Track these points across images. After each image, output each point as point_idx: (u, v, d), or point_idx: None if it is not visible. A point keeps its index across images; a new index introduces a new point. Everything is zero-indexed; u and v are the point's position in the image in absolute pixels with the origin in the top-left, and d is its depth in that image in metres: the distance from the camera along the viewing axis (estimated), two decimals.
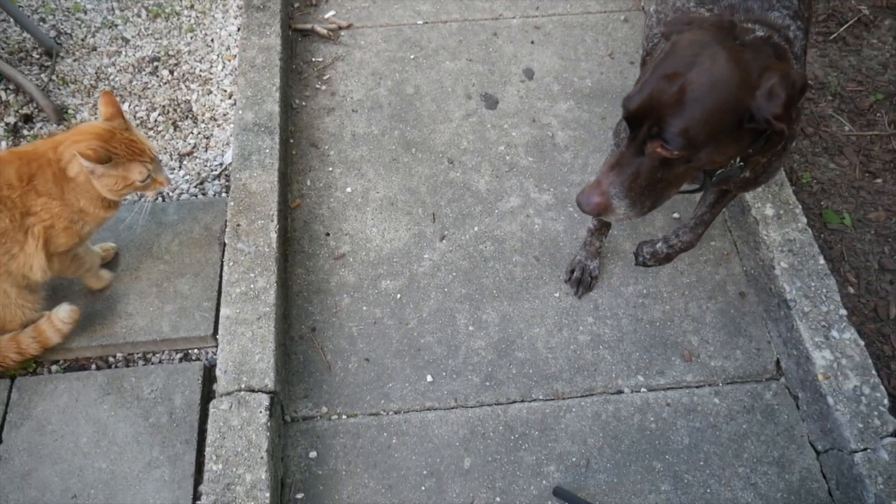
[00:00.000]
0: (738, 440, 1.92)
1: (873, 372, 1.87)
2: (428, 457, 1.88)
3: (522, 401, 1.97)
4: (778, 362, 2.04)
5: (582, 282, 2.13)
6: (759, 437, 1.92)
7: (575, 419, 1.94)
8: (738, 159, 1.46)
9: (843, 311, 1.96)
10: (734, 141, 1.34)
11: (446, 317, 2.10)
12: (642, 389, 1.99)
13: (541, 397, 1.98)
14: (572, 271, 2.14)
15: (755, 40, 1.35)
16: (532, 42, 2.70)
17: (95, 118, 2.49)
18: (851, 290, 2.16)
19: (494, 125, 2.48)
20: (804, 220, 2.11)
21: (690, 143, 1.30)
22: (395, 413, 1.95)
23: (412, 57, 2.67)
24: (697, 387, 2.00)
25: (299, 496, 1.82)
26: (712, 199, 1.90)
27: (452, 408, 1.96)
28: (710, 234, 2.25)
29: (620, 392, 1.99)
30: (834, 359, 1.89)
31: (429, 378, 2.00)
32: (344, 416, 1.94)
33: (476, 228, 2.26)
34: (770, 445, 1.91)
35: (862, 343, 1.92)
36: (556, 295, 2.14)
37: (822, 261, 2.04)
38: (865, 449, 1.77)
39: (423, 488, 1.84)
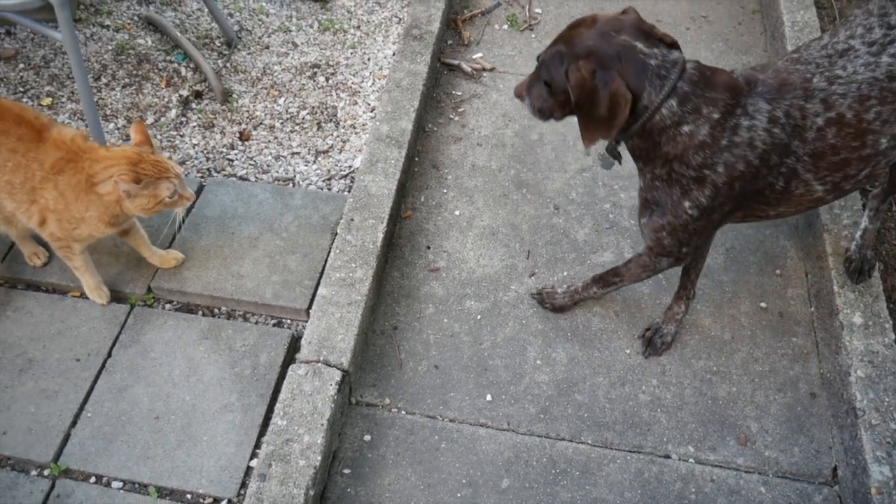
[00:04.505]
0: None
1: None
2: (470, 468, 1.99)
3: (571, 440, 2.05)
4: (835, 469, 2.02)
5: (652, 343, 2.20)
6: None
7: (617, 470, 2.00)
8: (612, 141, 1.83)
9: None
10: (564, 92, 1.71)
11: (518, 346, 2.22)
12: (690, 460, 2.03)
13: (589, 442, 2.05)
14: (647, 329, 2.22)
15: (629, 45, 1.64)
16: None
17: (254, 105, 2.81)
18: None
19: (605, 184, 2.61)
20: (893, 335, 2.10)
21: (545, 76, 1.74)
22: (451, 421, 2.07)
23: None
24: (746, 472, 2.01)
25: (346, 471, 1.97)
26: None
27: (504, 430, 2.06)
28: (793, 331, 2.27)
29: (668, 457, 2.03)
30: (893, 476, 1.87)
31: (489, 397, 2.12)
32: (403, 412, 2.08)
33: (565, 273, 2.38)
34: None
35: None
36: (627, 351, 2.21)
37: None
38: None
39: (458, 495, 1.94)
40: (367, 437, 2.03)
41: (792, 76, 1.71)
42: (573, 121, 2.82)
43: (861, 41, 1.72)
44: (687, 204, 1.76)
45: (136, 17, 3.10)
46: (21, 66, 2.88)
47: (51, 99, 2.77)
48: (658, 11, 3.22)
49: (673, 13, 3.24)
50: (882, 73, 1.67)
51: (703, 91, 1.65)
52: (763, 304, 2.32)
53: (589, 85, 1.64)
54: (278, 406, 1.94)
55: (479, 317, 2.28)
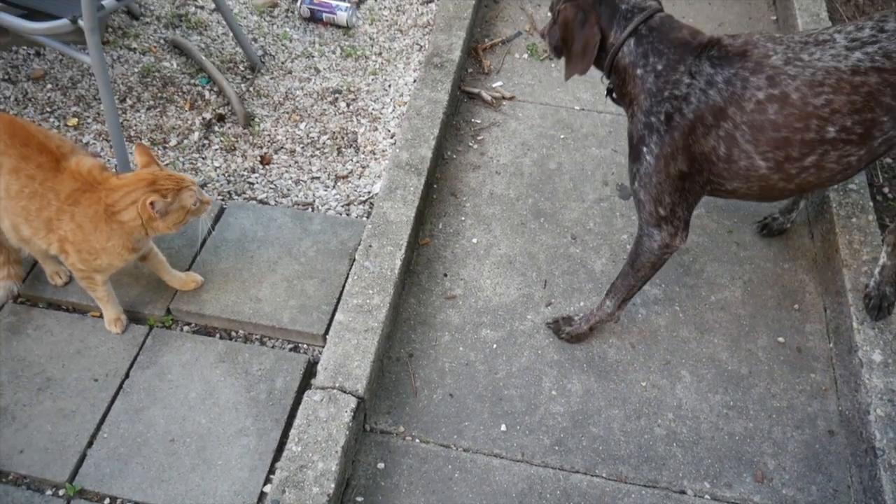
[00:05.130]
0: None
1: None
2: (483, 499, 1.98)
3: (585, 473, 2.03)
4: None
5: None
6: None
7: None
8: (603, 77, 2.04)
9: None
10: None
11: (533, 376, 2.21)
12: (706, 496, 2.00)
13: (604, 475, 2.03)
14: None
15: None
16: None
17: (275, 129, 2.84)
18: None
19: (623, 214, 2.61)
20: None
21: (554, 15, 2.04)
22: (465, 450, 2.07)
23: (562, 137, 2.86)
24: None
25: (359, 499, 1.96)
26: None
27: (518, 461, 2.05)
28: (811, 367, 2.25)
29: (683, 492, 2.01)
30: None
31: (503, 427, 2.11)
32: (417, 440, 2.08)
33: (582, 303, 2.38)
34: None
35: None
36: (643, 384, 2.20)
37: None
38: None
39: None
40: (381, 465, 2.03)
41: (755, 49, 1.79)
42: (591, 152, 2.85)
43: (845, 37, 1.75)
44: (644, 149, 1.92)
45: (162, 41, 3.16)
46: (49, 86, 2.94)
47: (77, 119, 2.82)
48: None
49: None
50: (847, 66, 1.71)
51: (654, 40, 1.87)
52: (781, 339, 2.31)
53: (571, 25, 1.93)
54: (293, 432, 1.94)
55: (494, 346, 2.28)
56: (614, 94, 2.03)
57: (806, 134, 1.76)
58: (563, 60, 3.14)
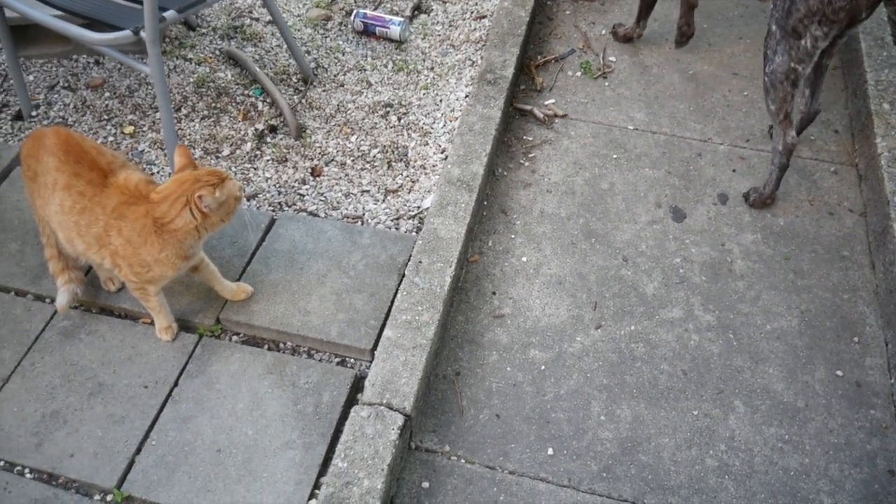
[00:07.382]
0: None
1: None
2: None
3: (633, 502, 1.99)
4: None
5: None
6: None
7: None
8: None
9: None
10: None
11: (582, 400, 2.17)
12: None
13: None
14: None
15: None
16: (734, 170, 2.77)
17: (326, 141, 2.85)
18: None
19: (676, 237, 2.56)
20: None
21: None
22: (510, 473, 2.03)
23: (614, 157, 2.83)
24: None
25: None
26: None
27: (564, 486, 2.01)
28: (871, 402, 2.17)
29: None
30: None
31: (550, 451, 2.07)
32: (463, 460, 2.06)
33: (632, 327, 2.33)
34: None
35: None
36: (695, 413, 2.15)
37: None
38: None
39: None
40: (426, 485, 2.00)
41: None
42: (644, 172, 2.80)
43: None
44: None
45: (217, 52, 3.20)
46: (107, 94, 2.99)
47: (133, 127, 2.87)
48: (734, 63, 3.18)
49: (749, 66, 3.20)
50: None
51: None
52: (839, 373, 2.24)
53: None
54: (339, 447, 1.93)
55: (542, 367, 2.24)
56: None
57: None
58: (616, 79, 3.14)
